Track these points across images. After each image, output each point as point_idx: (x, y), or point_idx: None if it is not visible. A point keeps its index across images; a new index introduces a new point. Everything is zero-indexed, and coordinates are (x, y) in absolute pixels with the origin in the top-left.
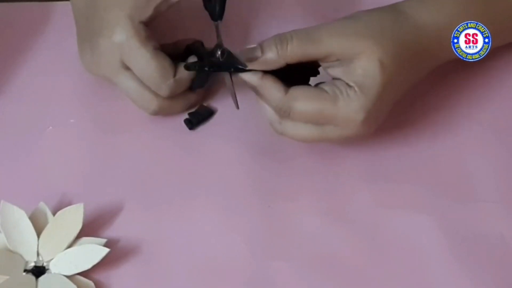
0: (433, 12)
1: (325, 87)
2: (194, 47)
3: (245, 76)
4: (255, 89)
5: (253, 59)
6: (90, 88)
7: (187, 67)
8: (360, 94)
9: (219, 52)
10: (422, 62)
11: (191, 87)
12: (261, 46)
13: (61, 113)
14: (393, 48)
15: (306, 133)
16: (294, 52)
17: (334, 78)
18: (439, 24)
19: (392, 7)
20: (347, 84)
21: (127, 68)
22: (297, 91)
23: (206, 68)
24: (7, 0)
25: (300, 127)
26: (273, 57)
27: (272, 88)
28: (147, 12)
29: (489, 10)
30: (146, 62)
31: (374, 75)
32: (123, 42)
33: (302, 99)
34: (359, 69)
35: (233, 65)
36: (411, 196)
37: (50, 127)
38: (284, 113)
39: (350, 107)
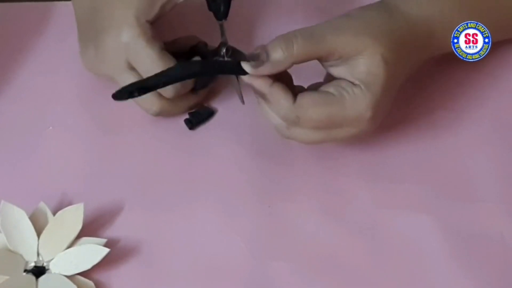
0: (424, 6)
1: (330, 89)
2: (198, 48)
3: (255, 82)
4: (263, 96)
5: (259, 64)
6: (90, 88)
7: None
8: (366, 91)
9: (224, 50)
10: (416, 54)
11: (194, 88)
12: (265, 49)
13: (61, 113)
14: (391, 43)
15: (315, 137)
16: (300, 51)
17: (337, 78)
18: (431, 17)
19: (385, 4)
20: (352, 83)
21: (131, 68)
22: (305, 99)
23: (136, 94)
24: (7, 0)
25: (308, 132)
26: (279, 58)
27: (281, 98)
28: (153, 11)
29: (481, 3)
30: (152, 62)
31: (377, 71)
32: (130, 41)
33: (310, 108)
34: (363, 66)
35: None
36: (411, 196)
37: (50, 127)
38: (292, 122)
39: (358, 106)
